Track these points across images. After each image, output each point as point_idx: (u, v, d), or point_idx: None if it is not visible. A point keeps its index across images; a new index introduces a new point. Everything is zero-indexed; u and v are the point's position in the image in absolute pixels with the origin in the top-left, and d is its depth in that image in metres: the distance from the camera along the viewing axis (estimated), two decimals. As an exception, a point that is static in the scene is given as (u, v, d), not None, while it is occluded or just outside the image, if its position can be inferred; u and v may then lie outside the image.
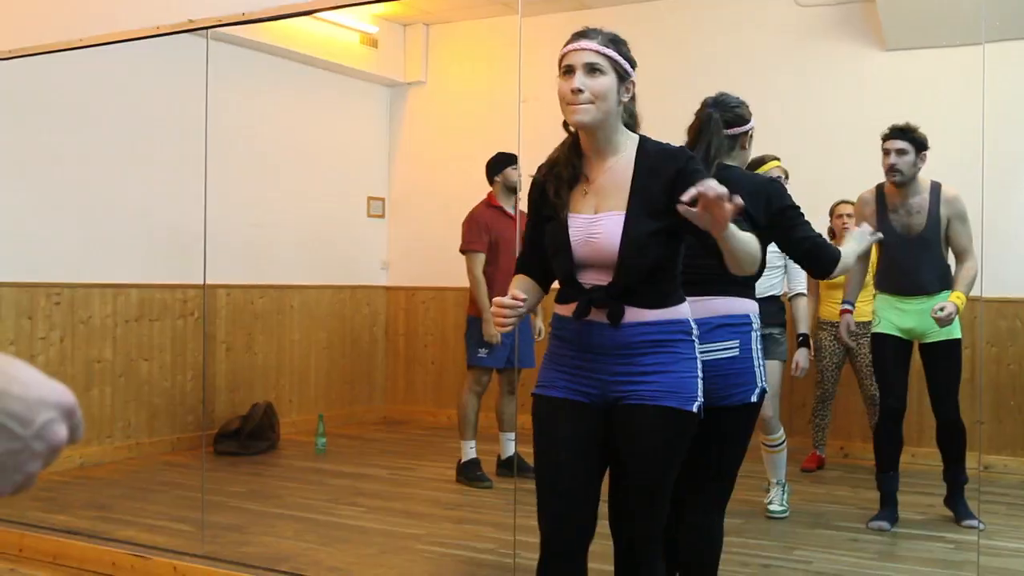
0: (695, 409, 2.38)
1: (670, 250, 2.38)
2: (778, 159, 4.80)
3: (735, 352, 2.79)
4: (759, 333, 2.88)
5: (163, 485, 5.63)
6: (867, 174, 6.24)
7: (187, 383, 6.71)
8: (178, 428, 6.65)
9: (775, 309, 4.71)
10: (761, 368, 2.84)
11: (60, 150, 6.00)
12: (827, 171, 6.49)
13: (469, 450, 5.51)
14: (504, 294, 2.40)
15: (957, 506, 4.62)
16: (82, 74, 5.89)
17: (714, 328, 2.78)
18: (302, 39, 7.25)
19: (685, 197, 2.10)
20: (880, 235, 3.20)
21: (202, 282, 5.14)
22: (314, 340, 7.69)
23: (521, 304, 2.35)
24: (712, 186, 2.05)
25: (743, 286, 2.85)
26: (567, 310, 2.43)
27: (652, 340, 2.35)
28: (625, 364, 2.36)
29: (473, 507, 5.08)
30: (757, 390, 2.81)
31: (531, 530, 4.27)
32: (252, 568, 3.90)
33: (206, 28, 4.17)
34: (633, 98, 2.44)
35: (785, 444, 4.81)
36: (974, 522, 4.47)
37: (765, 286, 4.64)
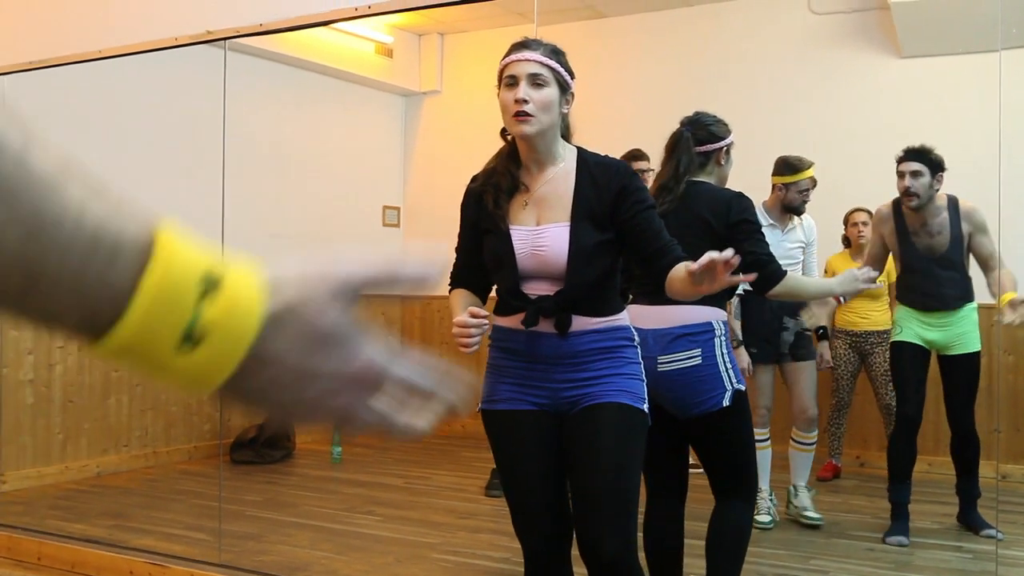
0: (645, 409, 2.40)
1: (613, 260, 2.42)
2: (812, 165, 4.72)
3: (697, 360, 2.85)
4: (724, 338, 2.91)
5: (180, 494, 5.65)
6: (882, 182, 6.22)
7: (203, 392, 6.72)
8: (195, 437, 6.68)
9: (796, 305, 4.70)
10: (729, 372, 2.87)
11: (78, 161, 6.03)
12: (842, 179, 6.47)
13: None
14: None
15: (972, 518, 4.59)
16: (101, 85, 5.93)
17: (675, 339, 2.85)
18: (318, 49, 7.28)
19: (702, 262, 2.09)
20: (878, 283, 3.18)
21: (219, 291, 5.16)
22: (330, 349, 7.69)
23: (484, 320, 2.36)
24: (721, 256, 2.07)
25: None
26: (511, 321, 2.43)
27: (599, 348, 2.38)
28: (574, 371, 2.38)
29: (488, 516, 5.08)
30: (728, 393, 2.85)
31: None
32: (269, 577, 3.91)
33: (224, 39, 4.19)
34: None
35: (814, 446, 4.79)
36: (992, 531, 4.43)
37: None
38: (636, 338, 2.48)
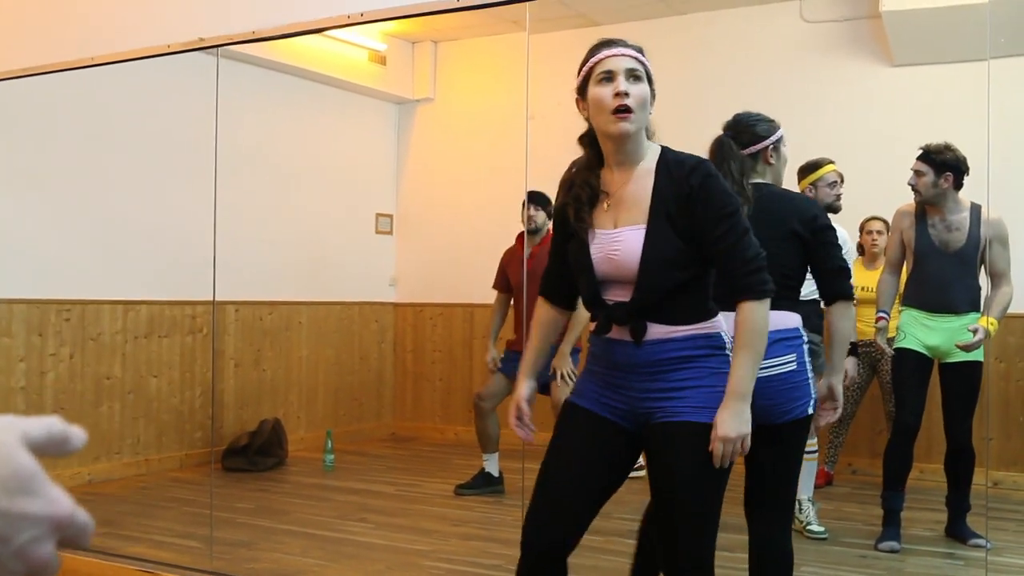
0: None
1: (694, 265, 2.28)
2: (833, 162, 4.76)
3: (792, 366, 2.78)
4: (808, 345, 2.89)
5: (171, 501, 5.64)
6: (873, 189, 6.26)
7: (196, 399, 6.73)
8: (186, 444, 6.66)
9: (814, 315, 4.68)
10: (812, 379, 2.85)
11: (71, 167, 6.04)
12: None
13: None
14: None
15: (961, 530, 4.59)
16: (93, 92, 5.93)
17: (772, 344, 2.71)
18: (311, 57, 7.29)
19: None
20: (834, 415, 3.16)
21: (211, 298, 5.17)
22: (322, 356, 7.71)
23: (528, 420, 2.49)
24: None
25: (790, 300, 2.85)
26: (593, 327, 2.42)
27: (679, 356, 2.27)
28: (653, 381, 2.29)
29: (480, 523, 5.08)
30: (812, 401, 2.82)
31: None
32: (260, 584, 3.90)
33: (216, 46, 4.20)
34: None
35: (817, 453, 4.78)
36: (981, 541, 4.44)
37: (808, 289, 4.63)
38: (727, 345, 2.33)
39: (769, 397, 2.71)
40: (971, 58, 5.89)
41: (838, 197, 4.74)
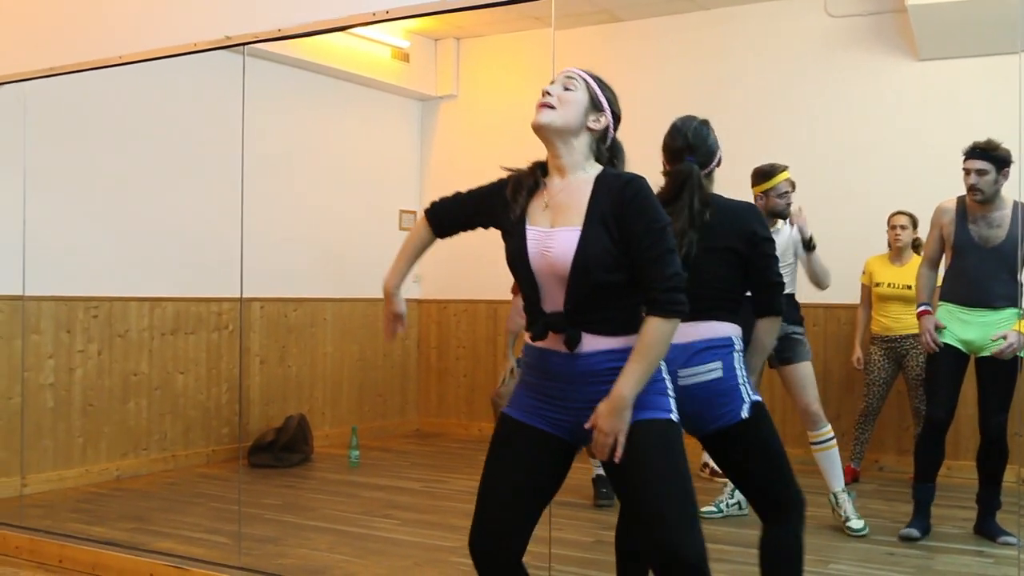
0: (675, 419, 2.37)
1: (626, 272, 2.35)
2: (786, 168, 4.79)
3: (718, 373, 2.80)
4: (742, 354, 2.88)
5: (199, 497, 5.68)
6: (899, 184, 6.23)
7: (222, 395, 6.77)
8: (213, 440, 6.71)
9: (792, 308, 4.72)
10: (746, 384, 2.84)
11: (98, 165, 6.09)
12: (857, 181, 6.47)
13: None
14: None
15: (990, 527, 4.56)
16: (121, 91, 5.97)
17: (697, 352, 2.80)
18: (335, 54, 7.32)
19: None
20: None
21: (238, 295, 5.20)
22: (347, 353, 7.74)
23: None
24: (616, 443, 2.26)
25: (727, 311, 2.89)
26: (529, 336, 2.46)
27: (615, 367, 2.32)
28: (592, 392, 2.34)
29: (506, 519, 5.08)
30: (747, 405, 2.80)
31: (568, 543, 4.29)
32: (288, 580, 3.93)
33: (243, 44, 4.22)
34: (614, 149, 2.50)
35: (835, 441, 4.76)
36: (1011, 538, 4.42)
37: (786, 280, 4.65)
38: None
39: (694, 405, 2.75)
40: (1000, 51, 5.86)
41: (788, 205, 4.79)
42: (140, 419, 6.25)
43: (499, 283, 6.85)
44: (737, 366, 2.84)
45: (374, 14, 3.87)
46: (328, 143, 7.62)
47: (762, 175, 4.77)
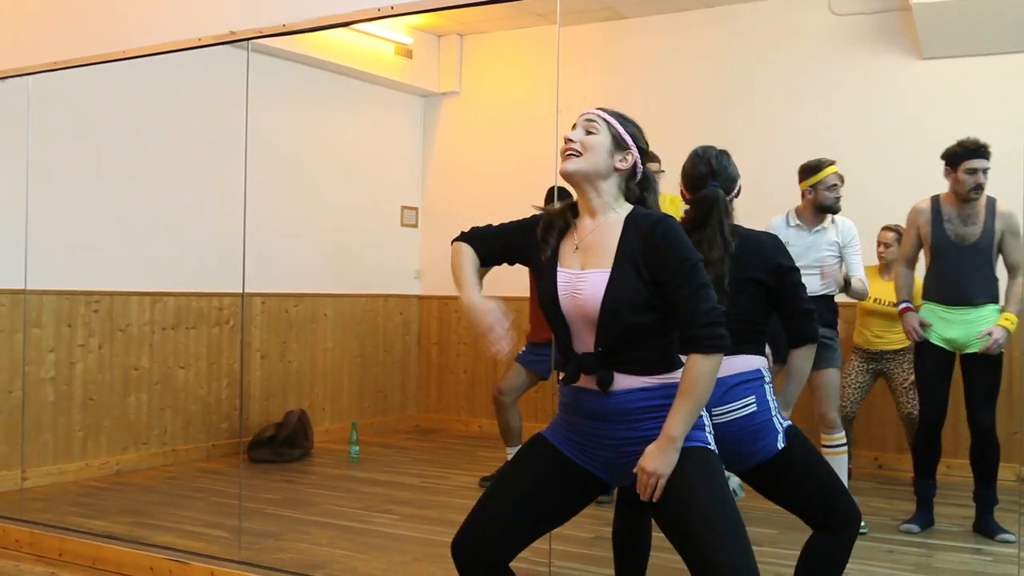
0: (713, 448, 2.36)
1: (656, 311, 2.34)
2: (834, 163, 4.77)
3: (752, 408, 2.79)
4: (771, 385, 2.88)
5: (199, 491, 5.68)
6: (902, 183, 6.22)
7: (222, 390, 6.77)
8: (213, 435, 6.71)
9: (827, 310, 4.69)
10: (778, 415, 2.83)
11: (101, 160, 6.09)
12: (862, 180, 6.45)
13: None
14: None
15: (988, 525, 4.60)
16: (124, 85, 5.97)
17: (730, 388, 2.78)
18: (338, 50, 7.32)
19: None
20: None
21: (239, 290, 5.20)
22: (347, 349, 7.74)
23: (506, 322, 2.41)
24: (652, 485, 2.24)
25: (754, 343, 2.89)
26: (562, 377, 2.47)
27: (648, 406, 2.33)
28: (627, 430, 2.34)
29: (506, 516, 5.08)
30: (780, 435, 2.80)
31: (567, 539, 4.29)
32: (289, 574, 3.92)
33: (247, 39, 4.22)
34: (644, 182, 2.48)
35: (846, 448, 4.76)
36: (1009, 536, 4.47)
37: (817, 285, 4.63)
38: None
39: (732, 441, 2.74)
40: (1005, 50, 5.86)
41: (837, 199, 4.77)
42: (140, 413, 6.25)
43: (500, 279, 6.86)
44: (769, 398, 2.83)
45: (378, 10, 3.87)
46: (331, 139, 7.61)
47: (810, 169, 4.75)
